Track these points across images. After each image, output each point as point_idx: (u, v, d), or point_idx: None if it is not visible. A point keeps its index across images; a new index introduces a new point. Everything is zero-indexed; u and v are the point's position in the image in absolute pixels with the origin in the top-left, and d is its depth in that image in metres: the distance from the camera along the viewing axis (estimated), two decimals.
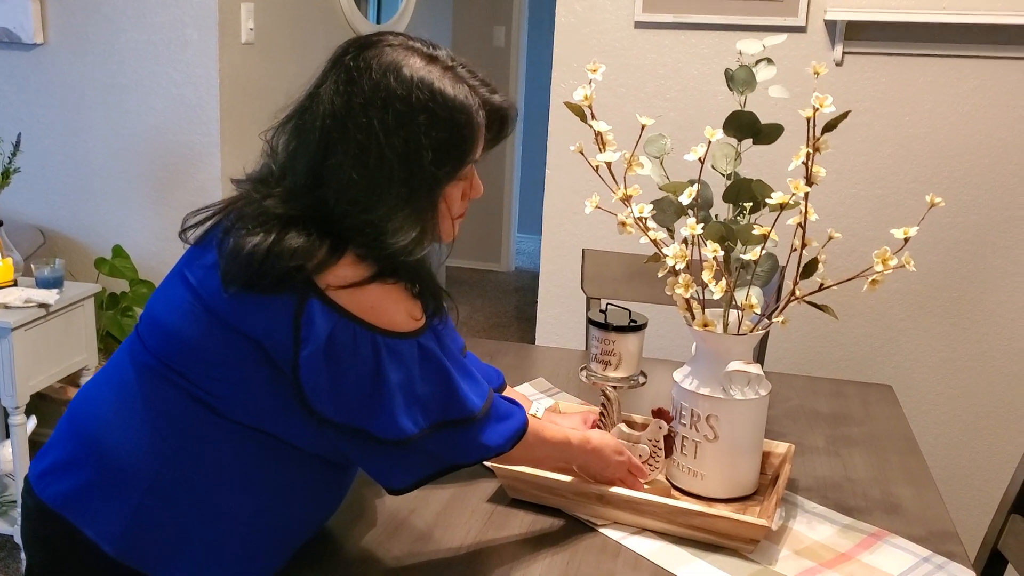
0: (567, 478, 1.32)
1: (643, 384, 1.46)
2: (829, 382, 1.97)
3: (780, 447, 1.48)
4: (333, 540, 1.25)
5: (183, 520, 1.07)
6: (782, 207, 1.24)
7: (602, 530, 1.30)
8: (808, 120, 1.25)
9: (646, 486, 1.37)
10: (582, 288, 2.16)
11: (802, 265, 1.31)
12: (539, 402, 1.47)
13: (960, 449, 2.44)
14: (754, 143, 1.41)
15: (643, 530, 1.30)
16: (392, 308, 1.06)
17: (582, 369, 1.49)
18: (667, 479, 1.41)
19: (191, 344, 1.06)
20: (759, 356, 2.02)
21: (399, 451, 1.09)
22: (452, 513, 1.33)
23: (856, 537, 1.32)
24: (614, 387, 1.44)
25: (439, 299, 1.14)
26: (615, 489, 1.30)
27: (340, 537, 1.25)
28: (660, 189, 1.37)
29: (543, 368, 1.92)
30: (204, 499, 1.07)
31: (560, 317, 2.62)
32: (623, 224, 1.31)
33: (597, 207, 1.33)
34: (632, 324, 1.42)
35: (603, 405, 1.40)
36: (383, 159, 1.02)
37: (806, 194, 1.25)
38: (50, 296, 2.32)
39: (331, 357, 1.02)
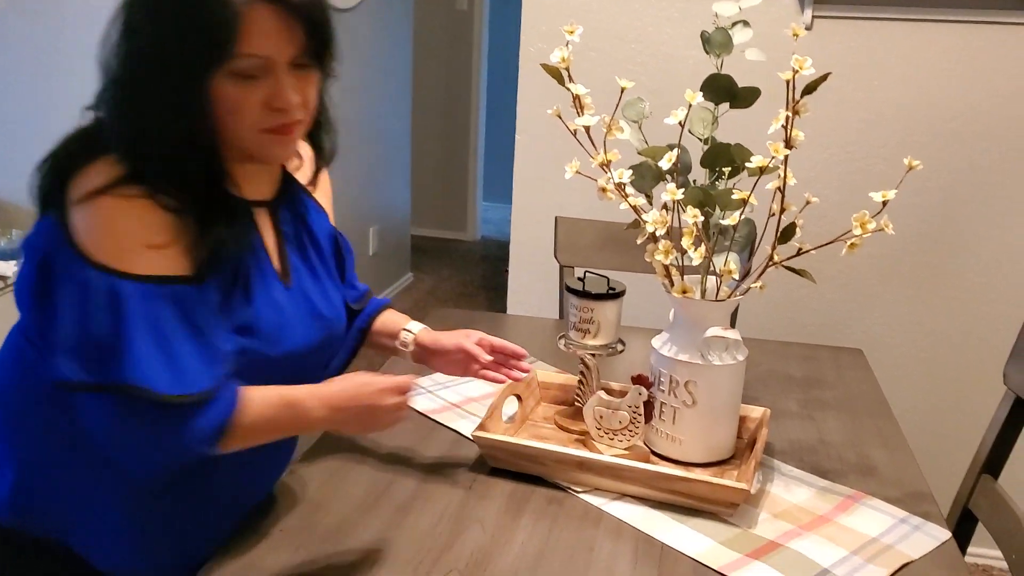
0: (548, 446, 1.31)
1: (621, 351, 1.45)
2: (800, 347, 1.99)
3: (755, 411, 1.49)
4: (310, 514, 1.23)
5: (73, 488, 1.05)
6: (761, 171, 1.23)
7: (583, 496, 1.30)
8: (787, 83, 1.24)
9: (624, 451, 1.37)
10: (555, 256, 2.15)
11: (781, 230, 1.30)
12: (410, 326, 1.41)
13: (930, 412, 2.48)
14: (731, 107, 1.40)
15: (623, 496, 1.30)
16: (117, 230, 0.98)
17: (560, 337, 1.48)
18: (645, 444, 1.41)
19: (21, 300, 1.05)
20: (730, 322, 2.02)
21: (107, 416, 0.99)
22: (432, 483, 1.32)
23: (833, 499, 1.33)
24: (593, 355, 1.43)
25: (212, 228, 1.02)
26: (597, 456, 1.29)
27: (318, 511, 1.23)
28: (639, 154, 1.36)
29: (517, 337, 1.90)
30: (83, 468, 1.05)
31: (531, 286, 2.60)
32: (603, 190, 1.30)
33: (578, 172, 1.31)
34: (611, 292, 1.41)
35: (582, 373, 1.40)
36: (139, 51, 0.99)
37: (785, 158, 1.25)
38: (7, 268, 2.26)
39: (41, 269, 1.00)
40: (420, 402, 1.57)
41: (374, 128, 4.41)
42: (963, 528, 1.54)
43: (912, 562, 1.18)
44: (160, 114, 1.00)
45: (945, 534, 1.25)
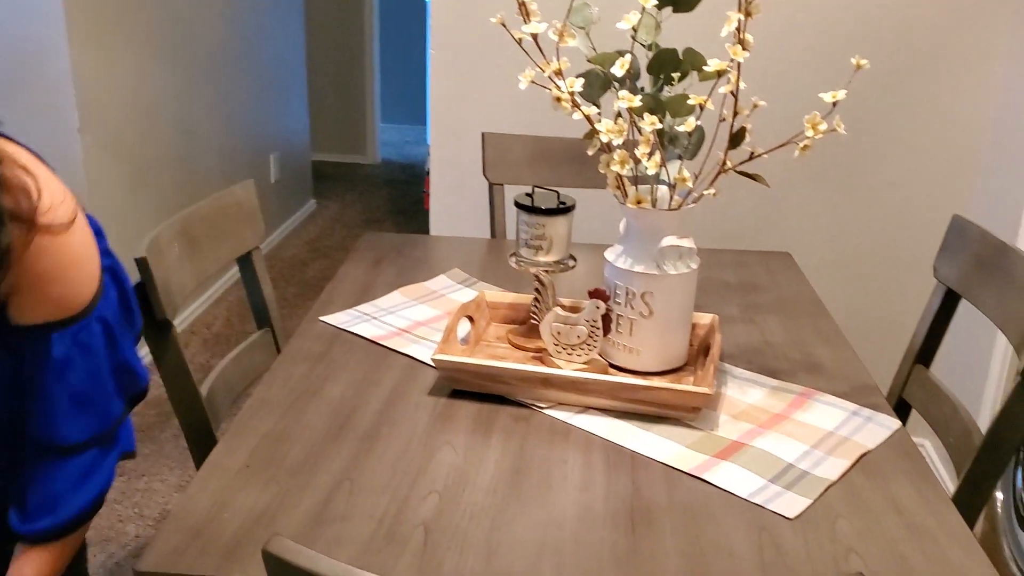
0: (513, 364, 1.30)
1: (573, 267, 1.44)
2: (732, 253, 2.02)
3: (705, 318, 1.51)
4: (273, 448, 1.19)
5: None
6: (719, 75, 1.22)
7: (547, 412, 1.30)
8: None
9: (583, 365, 1.37)
10: (484, 174, 2.11)
11: (732, 134, 1.30)
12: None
13: (857, 309, 2.57)
14: (674, 11, 1.38)
15: (587, 408, 1.31)
16: None
17: (511, 255, 1.46)
18: (602, 357, 1.41)
19: None
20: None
21: None
22: (395, 410, 1.29)
23: (787, 397, 1.37)
24: (547, 271, 1.42)
25: None
26: (562, 372, 1.29)
27: (281, 445, 1.20)
28: (589, 61, 1.33)
29: (455, 259, 1.88)
30: None
31: (455, 206, 2.56)
32: (558, 100, 1.26)
33: (533, 82, 1.28)
34: (562, 206, 1.39)
35: (537, 291, 1.38)
36: None
37: (739, 62, 1.24)
38: None
39: None
40: (367, 329, 1.53)
41: (268, 53, 4.22)
42: (898, 417, 1.61)
43: (869, 452, 1.23)
44: None
45: (895, 423, 1.30)
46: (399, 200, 5.12)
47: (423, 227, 4.36)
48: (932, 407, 1.51)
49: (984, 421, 2.14)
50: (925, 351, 1.59)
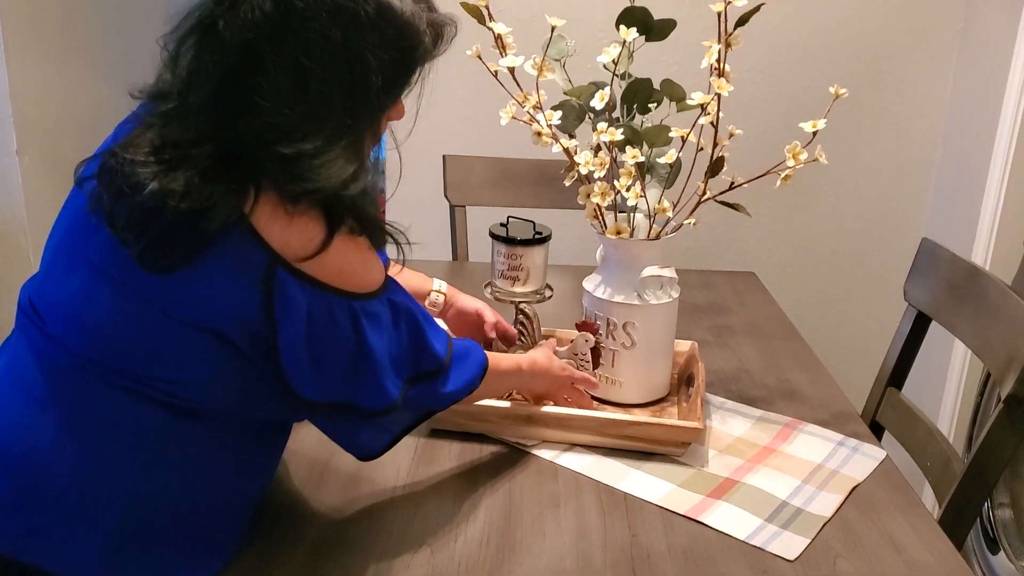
0: (493, 402, 1.27)
1: (550, 297, 1.42)
2: (696, 274, 2.01)
3: (683, 345, 1.49)
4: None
5: (165, 527, 0.93)
6: (703, 108, 1.21)
7: (532, 451, 1.27)
8: (719, 15, 1.21)
9: (566, 399, 1.34)
10: (445, 196, 2.07)
11: (712, 163, 1.29)
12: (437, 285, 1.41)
13: (815, 328, 2.58)
14: (647, 40, 1.36)
15: (572, 446, 1.28)
16: (359, 266, 0.94)
17: (486, 285, 1.42)
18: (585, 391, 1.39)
19: (129, 344, 0.89)
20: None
21: (381, 418, 1.01)
22: None
23: (772, 429, 1.36)
24: (525, 302, 1.39)
25: (384, 236, 1.01)
26: (547, 409, 1.26)
27: (262, 500, 1.14)
28: (565, 94, 1.30)
29: None
30: (182, 500, 0.94)
31: (413, 227, 2.50)
32: (539, 135, 1.23)
33: (514, 117, 1.24)
34: (538, 236, 1.36)
35: (521, 323, 1.35)
36: (326, 82, 0.87)
37: (718, 94, 1.22)
38: None
39: (311, 336, 0.90)
40: None
41: None
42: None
43: (859, 484, 1.22)
44: (344, 153, 0.90)
45: (881, 453, 1.30)
46: None
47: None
48: (907, 431, 1.51)
49: (946, 434, 2.17)
50: (897, 374, 1.59)
